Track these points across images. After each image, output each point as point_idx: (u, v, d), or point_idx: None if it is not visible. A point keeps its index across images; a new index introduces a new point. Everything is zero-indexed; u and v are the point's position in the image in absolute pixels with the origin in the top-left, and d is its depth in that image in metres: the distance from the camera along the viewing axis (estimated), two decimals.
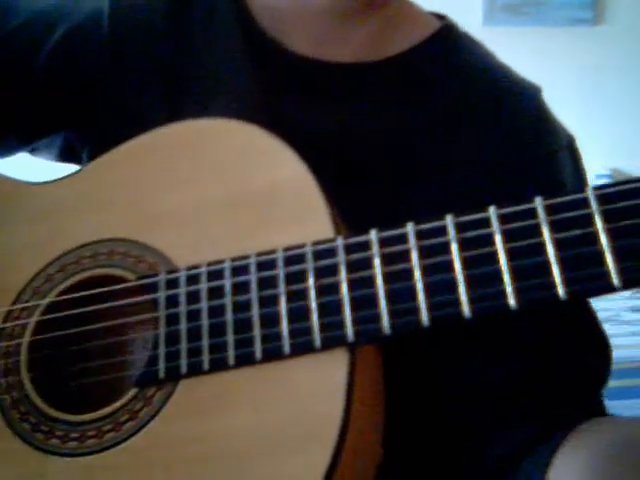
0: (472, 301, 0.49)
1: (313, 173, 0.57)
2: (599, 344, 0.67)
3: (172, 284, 0.56)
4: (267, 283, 0.53)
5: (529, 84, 0.72)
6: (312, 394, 0.51)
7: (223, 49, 0.70)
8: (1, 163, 0.76)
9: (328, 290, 0.52)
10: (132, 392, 0.55)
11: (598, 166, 2.24)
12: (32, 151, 0.78)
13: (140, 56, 0.70)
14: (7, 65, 0.72)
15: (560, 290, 0.47)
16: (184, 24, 0.71)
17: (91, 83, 0.70)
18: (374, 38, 0.70)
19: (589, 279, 0.47)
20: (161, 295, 0.56)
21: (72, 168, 0.71)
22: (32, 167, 0.87)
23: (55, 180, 0.66)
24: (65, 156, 0.77)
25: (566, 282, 0.47)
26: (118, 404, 0.55)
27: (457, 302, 0.49)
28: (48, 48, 0.71)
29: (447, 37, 0.72)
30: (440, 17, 0.75)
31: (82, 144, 0.73)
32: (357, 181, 0.65)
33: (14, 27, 0.73)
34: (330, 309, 0.51)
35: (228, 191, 0.59)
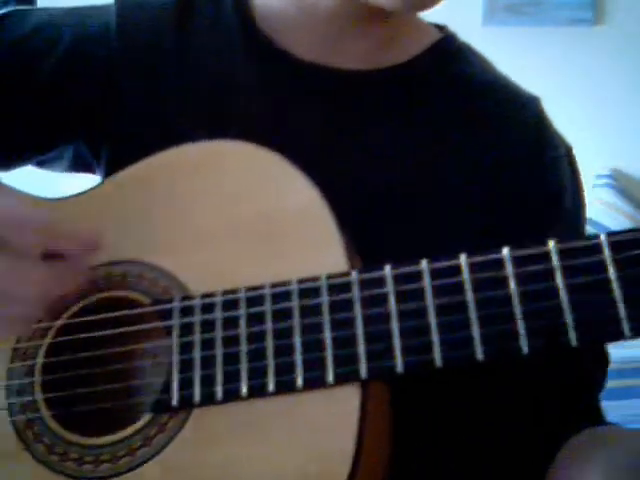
0: (484, 342, 0.49)
1: (327, 200, 0.57)
2: (601, 358, 0.69)
3: (187, 311, 0.57)
4: (282, 315, 0.54)
5: (528, 94, 0.74)
6: (324, 429, 0.52)
7: (228, 59, 0.71)
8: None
9: (343, 325, 0.53)
10: (146, 418, 0.55)
11: (598, 166, 2.23)
12: (39, 164, 0.77)
13: (148, 69, 0.71)
14: (15, 71, 0.72)
15: (571, 335, 0.48)
16: (189, 37, 0.72)
17: (99, 94, 0.71)
18: (378, 46, 0.71)
19: (601, 326, 0.48)
20: (175, 322, 0.57)
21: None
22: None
23: (69, 197, 0.66)
24: (76, 166, 0.77)
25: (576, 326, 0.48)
26: (132, 429, 0.56)
27: (471, 342, 0.50)
28: (54, 57, 0.71)
29: (447, 48, 0.74)
30: (440, 27, 0.76)
31: (94, 154, 0.73)
32: (372, 202, 0.66)
33: (22, 34, 0.73)
34: (344, 344, 0.52)
35: (242, 216, 0.59)
